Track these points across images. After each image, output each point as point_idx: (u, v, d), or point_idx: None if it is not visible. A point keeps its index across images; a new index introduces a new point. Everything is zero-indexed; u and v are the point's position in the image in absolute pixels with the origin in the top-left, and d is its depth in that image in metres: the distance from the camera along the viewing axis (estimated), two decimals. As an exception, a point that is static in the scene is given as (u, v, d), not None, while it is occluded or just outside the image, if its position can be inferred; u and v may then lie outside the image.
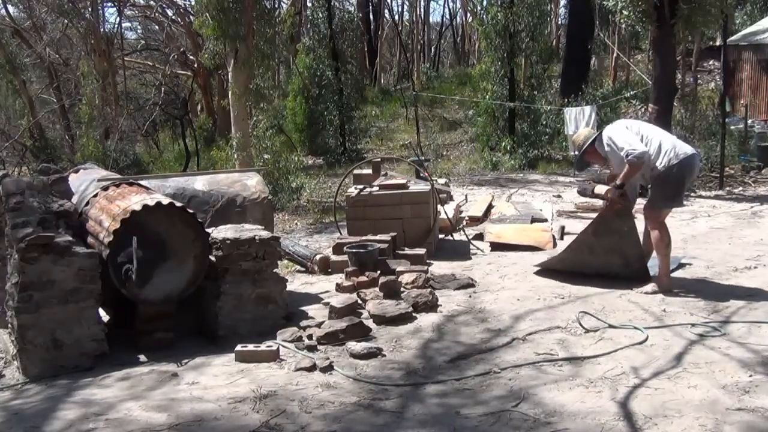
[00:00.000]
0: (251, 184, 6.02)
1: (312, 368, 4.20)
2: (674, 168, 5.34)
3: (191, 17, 19.20)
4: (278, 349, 4.47)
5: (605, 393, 3.72)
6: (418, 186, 7.61)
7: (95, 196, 5.12)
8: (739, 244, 7.18)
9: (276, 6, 14.43)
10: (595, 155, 5.74)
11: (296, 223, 10.19)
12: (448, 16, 46.40)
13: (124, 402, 3.84)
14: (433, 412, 3.61)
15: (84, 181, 5.47)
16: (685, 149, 5.45)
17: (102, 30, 17.94)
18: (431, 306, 5.33)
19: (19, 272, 4.28)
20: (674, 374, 3.92)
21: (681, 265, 6.32)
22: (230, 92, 11.95)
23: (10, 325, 4.58)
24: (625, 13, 10.88)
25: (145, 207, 4.62)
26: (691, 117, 12.87)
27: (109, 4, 20.93)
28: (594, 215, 9.08)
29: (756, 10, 22.63)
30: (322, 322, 4.91)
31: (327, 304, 5.36)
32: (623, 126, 5.67)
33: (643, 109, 11.31)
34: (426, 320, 5.09)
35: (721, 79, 12.94)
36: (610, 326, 4.77)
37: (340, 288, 5.86)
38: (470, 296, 5.68)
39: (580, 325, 4.80)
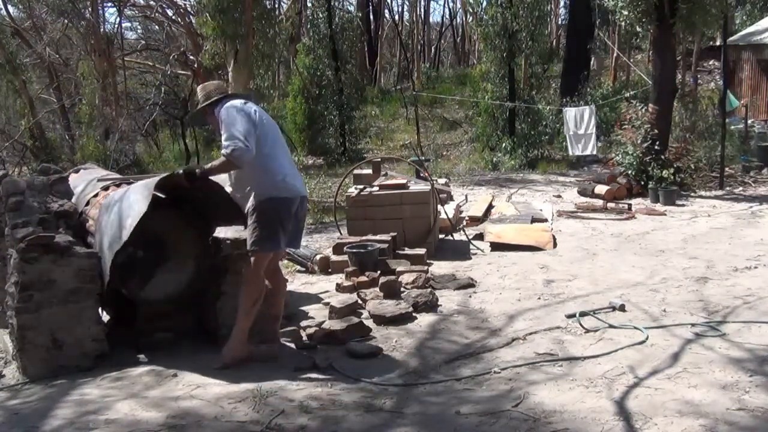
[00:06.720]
0: (251, 184, 6.01)
1: (312, 368, 4.20)
2: (271, 203, 4.23)
3: (191, 17, 19.21)
4: (278, 349, 4.47)
5: (605, 393, 3.72)
6: (418, 186, 7.61)
7: (95, 196, 5.11)
8: (739, 244, 7.18)
9: (276, 6, 14.43)
10: (213, 118, 4.46)
11: (296, 223, 10.17)
12: (448, 16, 46.39)
13: (124, 402, 3.83)
14: (433, 411, 3.60)
15: (84, 181, 5.46)
16: (293, 187, 4.31)
17: (102, 30, 17.94)
18: (431, 306, 5.33)
19: (19, 272, 4.27)
20: (674, 374, 3.92)
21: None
22: (230, 92, 11.94)
23: (10, 325, 4.57)
24: (625, 12, 10.87)
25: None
26: (691, 117, 12.85)
27: (109, 4, 20.94)
28: (594, 215, 9.15)
29: (756, 10, 22.60)
30: (322, 322, 4.91)
31: (327, 304, 5.37)
32: (240, 109, 4.25)
33: (643, 109, 11.25)
34: (426, 320, 5.09)
35: (721, 79, 12.91)
36: (611, 326, 4.78)
37: (340, 288, 5.87)
38: (470, 296, 5.68)
39: (580, 325, 4.80)
